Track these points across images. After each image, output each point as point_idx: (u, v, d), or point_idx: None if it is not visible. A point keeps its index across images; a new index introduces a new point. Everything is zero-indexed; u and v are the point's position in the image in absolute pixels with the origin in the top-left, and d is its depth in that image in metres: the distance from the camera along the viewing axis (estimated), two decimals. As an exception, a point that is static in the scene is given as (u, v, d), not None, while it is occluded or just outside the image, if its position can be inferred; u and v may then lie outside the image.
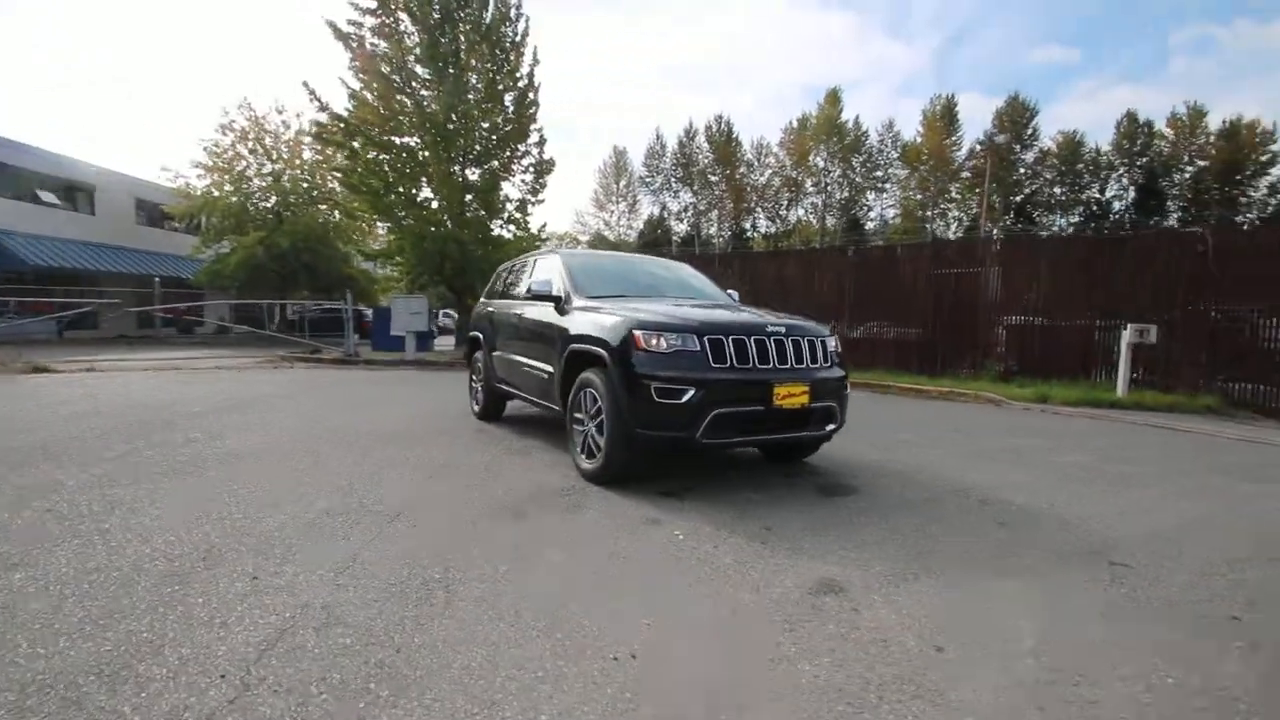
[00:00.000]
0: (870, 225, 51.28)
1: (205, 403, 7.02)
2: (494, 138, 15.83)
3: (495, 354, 6.11)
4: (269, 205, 20.93)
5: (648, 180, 51.07)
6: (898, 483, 4.30)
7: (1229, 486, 4.54)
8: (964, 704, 1.82)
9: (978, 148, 50.21)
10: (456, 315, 19.45)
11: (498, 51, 15.52)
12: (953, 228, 52.76)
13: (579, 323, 4.41)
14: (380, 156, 14.80)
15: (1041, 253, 12.21)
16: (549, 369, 4.79)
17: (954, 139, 51.51)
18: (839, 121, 48.80)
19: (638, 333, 3.81)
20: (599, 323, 4.17)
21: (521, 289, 5.82)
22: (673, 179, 49.94)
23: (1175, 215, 50.97)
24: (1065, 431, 6.87)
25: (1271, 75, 74.79)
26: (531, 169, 16.61)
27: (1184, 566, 2.92)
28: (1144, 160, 52.65)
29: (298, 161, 20.98)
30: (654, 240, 46.17)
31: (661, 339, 3.76)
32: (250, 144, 20.59)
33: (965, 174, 52.46)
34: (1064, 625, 2.32)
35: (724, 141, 48.15)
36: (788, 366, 3.94)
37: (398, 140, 14.76)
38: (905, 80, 79.37)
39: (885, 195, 51.40)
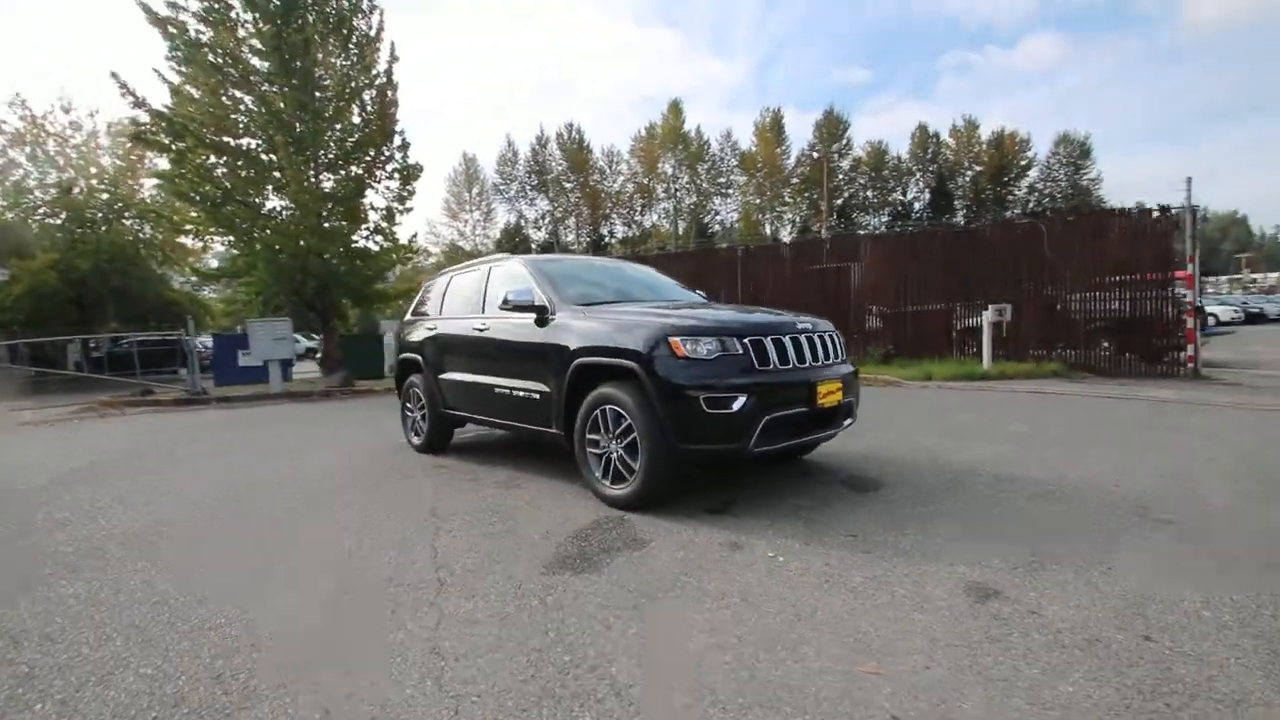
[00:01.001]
0: (717, 229, 54.24)
1: (44, 471, 5.41)
2: (352, 140, 14.27)
3: (444, 378, 5.37)
4: (58, 222, 17.02)
5: (502, 188, 49.60)
6: (908, 470, 4.37)
7: (1161, 439, 5.21)
8: (1244, 693, 1.77)
9: (808, 156, 55.12)
10: (319, 339, 17.30)
11: (350, 46, 14.03)
12: (787, 230, 57.46)
13: (581, 334, 3.95)
14: (214, 160, 12.67)
15: (907, 247, 13.54)
16: (539, 389, 4.25)
17: (783, 148, 56.14)
18: (683, 131, 51.00)
19: (676, 339, 3.47)
20: (617, 332, 3.75)
21: (473, 303, 5.18)
22: (528, 186, 48.94)
23: (961, 212, 59.73)
24: (981, 404, 7.56)
25: (1015, 92, 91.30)
26: (397, 174, 15.21)
27: (1216, 514, 3.22)
28: (934, 166, 61.21)
29: (94, 170, 17.33)
30: (511, 251, 44.95)
31: (702, 344, 3.46)
32: (27, 149, 16.64)
33: (795, 180, 57.47)
34: (1219, 589, 2.41)
35: (576, 149, 48.14)
36: (819, 364, 3.83)
37: (234, 142, 12.72)
38: (730, 95, 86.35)
39: (729, 200, 54.59)
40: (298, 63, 12.78)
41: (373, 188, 14.78)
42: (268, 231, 12.59)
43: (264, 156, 13.07)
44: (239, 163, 12.71)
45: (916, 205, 61.00)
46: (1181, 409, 6.74)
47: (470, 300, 5.28)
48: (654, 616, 2.34)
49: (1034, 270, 11.65)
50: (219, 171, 12.62)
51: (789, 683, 1.88)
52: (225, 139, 12.64)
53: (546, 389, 4.20)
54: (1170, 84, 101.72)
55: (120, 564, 3.10)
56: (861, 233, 38.95)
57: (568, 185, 48.24)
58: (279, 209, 13.39)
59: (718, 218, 52.82)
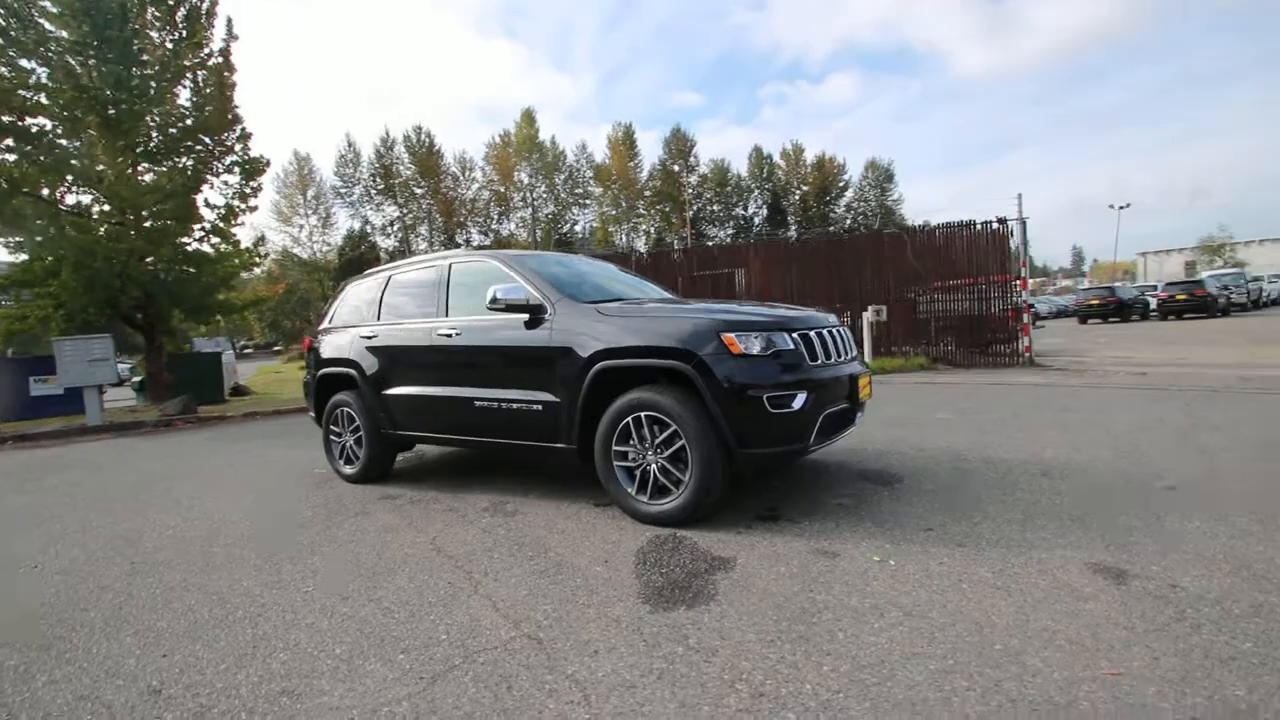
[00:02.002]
0: (576, 238, 54.23)
1: None
2: (180, 126, 12.09)
3: (392, 394, 4.56)
4: None
5: (343, 191, 45.18)
6: (906, 461, 4.47)
7: (1068, 418, 5.87)
8: None
9: (659, 170, 57.16)
10: (134, 361, 14.39)
11: (178, 18, 11.88)
12: (642, 240, 59.12)
13: (600, 334, 3.51)
14: (-3, 142, 9.99)
15: (789, 254, 14.37)
16: (541, 399, 3.73)
17: (635, 162, 57.80)
18: (538, 140, 50.40)
19: (730, 335, 3.19)
20: (653, 330, 3.38)
21: (428, 306, 4.47)
22: (373, 190, 45.09)
23: (794, 227, 65.45)
24: (893, 396, 8.10)
25: (823, 122, 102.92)
26: (237, 168, 13.14)
27: (1212, 475, 3.62)
28: (769, 185, 66.61)
29: None
30: (357, 259, 41.15)
31: (757, 340, 3.21)
32: None
33: (647, 193, 59.39)
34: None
35: (426, 153, 45.38)
36: (850, 359, 3.76)
37: (25, 122, 10.12)
38: (575, 109, 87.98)
39: (587, 210, 54.91)
40: (113, 31, 10.52)
41: (209, 182, 12.63)
42: (73, 231, 10.15)
43: (64, 142, 10.58)
44: (29, 147, 10.14)
45: (756, 220, 65.90)
46: (1054, 390, 7.74)
47: (423, 303, 4.54)
48: (833, 646, 2.03)
49: (899, 275, 12.92)
50: (4, 158, 9.97)
51: (1054, 699, 1.69)
52: (11, 118, 10.02)
53: (552, 398, 3.68)
54: (947, 121, 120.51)
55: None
56: (754, 241, 40.93)
57: (418, 191, 45.31)
58: (90, 204, 10.90)
59: (576, 227, 52.82)
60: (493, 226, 49.76)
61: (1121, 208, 51.24)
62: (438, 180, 44.66)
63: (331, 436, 5.06)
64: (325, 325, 5.34)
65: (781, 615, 2.25)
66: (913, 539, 2.94)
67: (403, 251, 44.51)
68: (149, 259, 11.39)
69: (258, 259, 14.15)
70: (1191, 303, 24.57)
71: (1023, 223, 12.41)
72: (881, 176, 68.61)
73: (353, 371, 4.81)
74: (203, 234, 12.62)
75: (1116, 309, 27.07)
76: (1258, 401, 6.07)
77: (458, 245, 44.78)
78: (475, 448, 4.42)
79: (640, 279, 5.10)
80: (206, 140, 12.36)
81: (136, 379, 13.93)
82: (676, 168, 56.08)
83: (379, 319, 4.83)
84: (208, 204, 12.68)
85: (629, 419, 3.39)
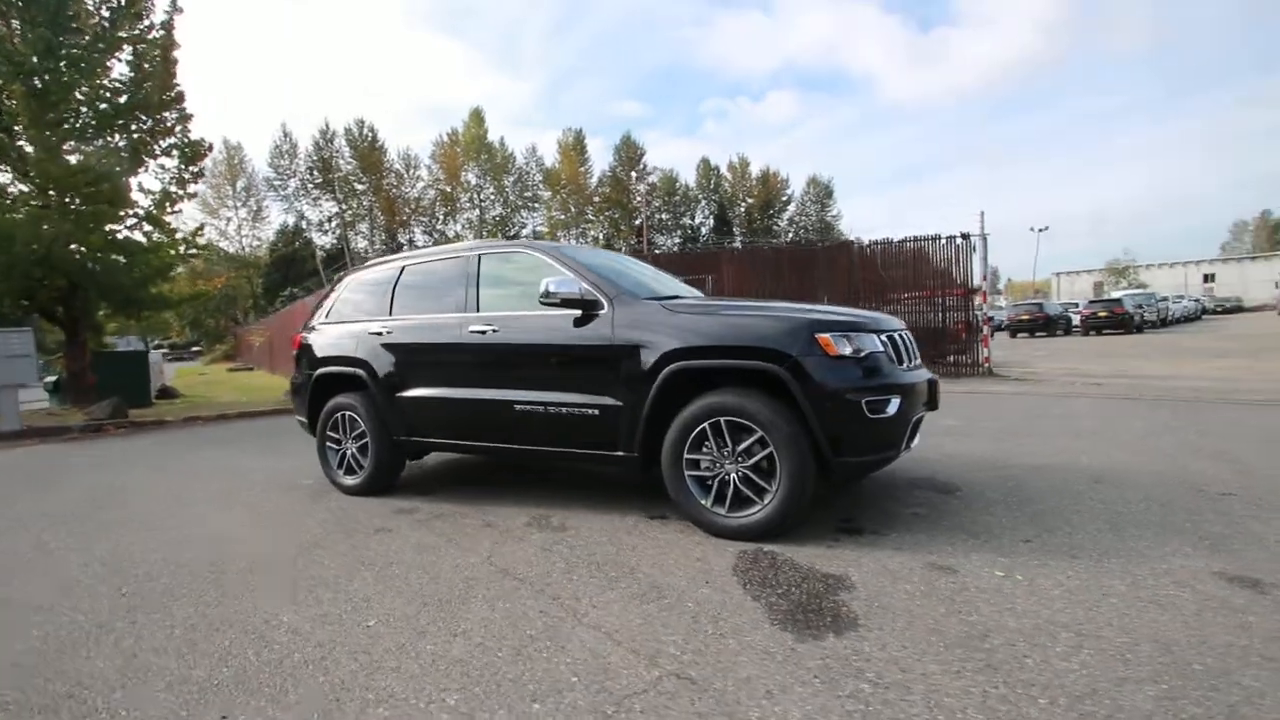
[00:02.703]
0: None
1: None
2: (114, 102, 10.96)
3: (409, 396, 4.12)
4: None
5: (277, 184, 42.57)
6: (957, 468, 4.40)
7: (1069, 425, 6.00)
8: None
9: (609, 176, 57.12)
10: (55, 357, 12.96)
11: (113, -18, 10.79)
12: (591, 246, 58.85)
13: (674, 332, 3.24)
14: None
15: (762, 261, 14.46)
16: (599, 402, 3.41)
17: (585, 168, 57.52)
18: (487, 141, 49.30)
19: (826, 336, 2.99)
20: (740, 329, 3.14)
21: (453, 301, 4.07)
22: (310, 184, 42.71)
23: (740, 238, 66.72)
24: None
25: (763, 138, 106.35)
26: (176, 151, 12.05)
27: (1267, 482, 3.69)
28: (716, 196, 67.71)
29: None
30: (290, 255, 38.98)
31: (850, 341, 3.02)
32: None
33: (596, 199, 59.20)
34: (1371, 552, 2.64)
35: (369, 148, 43.46)
36: (919, 364, 3.63)
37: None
38: (521, 112, 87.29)
39: (536, 214, 54.14)
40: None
41: (144, 165, 11.53)
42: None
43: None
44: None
45: (704, 230, 66.79)
46: (1037, 400, 7.99)
47: (447, 297, 4.13)
48: (1029, 676, 1.84)
49: (867, 285, 13.19)
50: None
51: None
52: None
53: (612, 402, 3.38)
54: (879, 143, 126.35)
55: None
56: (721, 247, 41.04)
57: (360, 187, 43.31)
58: (9, 183, 9.68)
59: (525, 231, 51.88)
60: (438, 227, 48.19)
61: (1041, 230, 54.77)
62: (380, 176, 42.83)
63: (329, 444, 4.54)
64: (321, 320, 4.81)
65: (946, 641, 2.05)
66: (1018, 550, 2.81)
67: (342, 249, 42.42)
68: (74, 246, 10.20)
69: (196, 249, 12.99)
70: (1111, 319, 26.40)
71: (984, 238, 12.94)
72: (822, 193, 70.94)
73: (359, 371, 4.32)
74: (135, 221, 11.47)
75: (1044, 324, 28.81)
76: (1237, 410, 6.40)
77: (400, 245, 43.00)
78: (509, 456, 4.03)
79: (672, 278, 4.84)
80: (144, 119, 11.27)
81: (50, 379, 12.48)
82: (635, 174, 56.16)
83: (391, 313, 4.37)
84: (142, 189, 11.57)
85: (705, 425, 3.13)
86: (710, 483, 3.18)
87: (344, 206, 43.28)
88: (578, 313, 3.51)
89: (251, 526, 3.77)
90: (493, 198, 50.35)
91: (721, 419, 3.09)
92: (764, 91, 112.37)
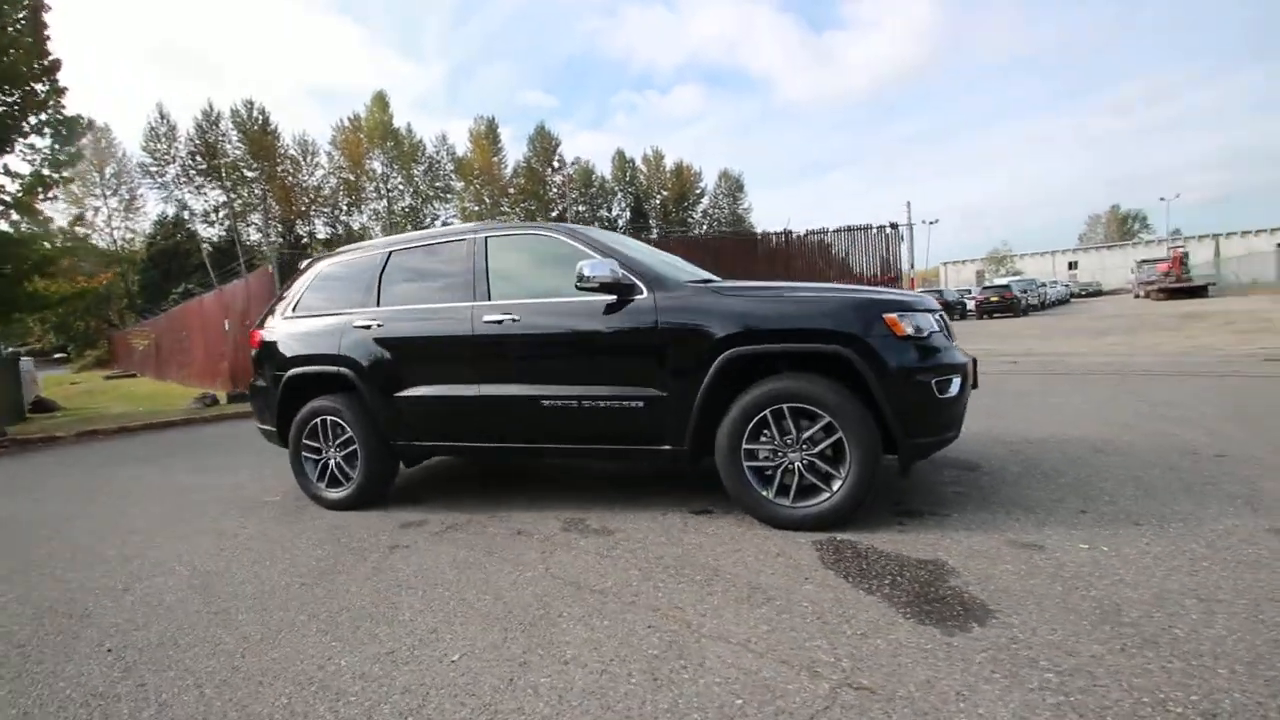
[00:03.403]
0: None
1: None
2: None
3: (411, 395, 3.69)
4: None
5: (154, 170, 38.04)
6: (963, 446, 4.50)
7: (1041, 400, 6.37)
8: None
9: (524, 167, 55.79)
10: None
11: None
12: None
13: (728, 317, 3.05)
14: None
15: (701, 248, 14.51)
16: (643, 393, 3.18)
17: (499, 158, 55.83)
18: (392, 127, 46.65)
19: (893, 316, 2.90)
20: (804, 311, 2.99)
21: (459, 288, 3.68)
22: (192, 171, 38.53)
23: (655, 230, 67.23)
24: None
25: (672, 132, 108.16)
26: (49, 129, 10.44)
27: (1244, 445, 4.00)
28: (632, 189, 67.85)
29: None
30: (172, 248, 35.18)
31: (913, 321, 2.96)
32: None
33: (512, 190, 57.66)
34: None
35: (260, 132, 39.80)
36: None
37: None
38: (423, 98, 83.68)
39: (449, 205, 51.95)
40: None
41: (10, 145, 9.90)
42: None
43: None
44: None
45: (620, 222, 66.73)
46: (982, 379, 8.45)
47: (450, 285, 3.73)
48: (1193, 647, 1.82)
49: (807, 274, 13.59)
50: None
51: None
52: None
53: (657, 393, 3.15)
54: (781, 139, 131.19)
55: None
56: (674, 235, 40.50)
57: (250, 174, 39.66)
58: None
59: (437, 222, 49.61)
60: (341, 218, 45.10)
61: (931, 223, 58.88)
62: (274, 163, 39.38)
63: (306, 454, 4.00)
64: (286, 314, 4.23)
65: (1087, 619, 2.01)
66: (1081, 522, 2.86)
67: (232, 242, 38.72)
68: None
69: (73, 241, 11.34)
70: (1002, 304, 28.81)
71: (911, 227, 13.66)
72: (733, 186, 72.74)
73: (345, 370, 3.83)
74: (1, 207, 9.83)
75: (944, 309, 30.99)
76: (1162, 381, 7.04)
77: (300, 238, 39.86)
78: (530, 457, 3.71)
79: (682, 261, 4.63)
80: (8, 91, 9.63)
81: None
82: (553, 167, 55.08)
83: (379, 304, 3.90)
84: (7, 171, 9.92)
85: (767, 412, 2.98)
86: (770, 473, 3.03)
87: (233, 195, 39.43)
88: (612, 298, 3.25)
89: (231, 555, 3.23)
90: (401, 187, 47.73)
91: (785, 405, 2.95)
92: (671, 85, 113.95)
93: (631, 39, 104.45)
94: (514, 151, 70.34)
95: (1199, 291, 31.22)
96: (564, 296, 3.37)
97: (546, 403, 3.36)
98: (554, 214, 61.25)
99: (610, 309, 3.25)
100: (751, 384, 3.04)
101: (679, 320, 3.12)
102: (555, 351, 3.41)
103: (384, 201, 47.14)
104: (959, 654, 1.85)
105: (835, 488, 2.91)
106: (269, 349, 4.21)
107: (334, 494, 3.92)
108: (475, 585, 2.61)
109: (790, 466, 2.98)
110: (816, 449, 2.93)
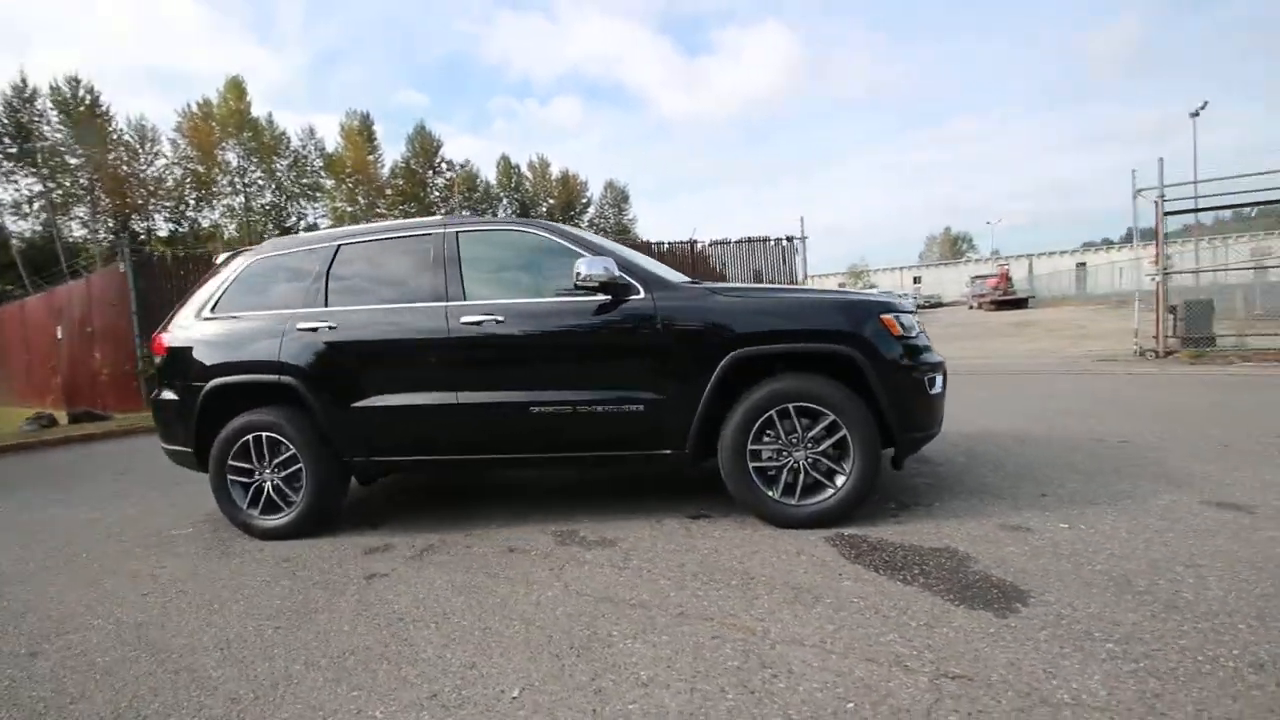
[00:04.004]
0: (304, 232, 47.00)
1: None
2: None
3: (372, 405, 3.31)
4: None
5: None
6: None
7: (967, 397, 6.94)
8: None
9: (403, 168, 53.01)
10: None
11: None
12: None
13: (731, 318, 3.04)
14: None
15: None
16: (644, 396, 3.08)
17: (375, 156, 52.57)
18: (250, 117, 42.28)
19: (889, 317, 3.03)
20: (811, 311, 3.05)
21: (427, 287, 3.37)
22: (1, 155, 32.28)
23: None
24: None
25: (554, 142, 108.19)
26: None
27: (1141, 431, 4.59)
28: (518, 195, 66.76)
29: None
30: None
31: (901, 321, 3.10)
32: None
33: (389, 191, 54.50)
34: None
35: (87, 113, 34.25)
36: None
37: None
38: (280, 89, 77.28)
39: (318, 205, 47.99)
40: None
41: None
42: None
43: None
44: None
45: (506, 228, 65.25)
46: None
47: (415, 283, 3.40)
48: (1229, 605, 2.04)
49: (717, 280, 14.02)
50: None
51: None
52: None
53: (656, 396, 3.07)
54: (659, 154, 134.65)
55: None
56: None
57: (74, 161, 34.05)
58: None
59: (304, 222, 45.57)
60: (188, 214, 40.00)
61: (802, 239, 63.42)
62: (104, 150, 34.09)
63: (233, 477, 3.45)
64: (203, 314, 3.63)
65: (1110, 590, 2.19)
66: (1047, 504, 3.14)
67: (50, 238, 32.99)
68: None
69: None
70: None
71: (804, 240, 14.53)
72: (618, 196, 73.78)
73: (289, 379, 3.35)
74: None
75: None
76: (1031, 379, 8.01)
77: (137, 234, 34.73)
78: (514, 467, 3.45)
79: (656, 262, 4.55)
80: None
81: None
82: (439, 167, 52.69)
83: (327, 303, 3.46)
84: None
85: (772, 412, 2.99)
86: (773, 473, 3.04)
87: (51, 184, 33.60)
88: (607, 298, 3.12)
89: (161, 601, 2.69)
90: (261, 182, 43.31)
91: (790, 405, 2.97)
92: (551, 96, 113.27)
93: (509, 46, 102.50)
94: (391, 151, 66.65)
95: (1022, 303, 35.99)
96: (550, 296, 3.19)
97: (536, 409, 3.15)
98: (436, 218, 58.65)
99: (605, 309, 3.12)
100: (750, 385, 3.03)
101: (682, 321, 3.06)
102: (546, 354, 3.21)
103: (240, 197, 42.52)
104: (1023, 635, 1.94)
105: (840, 484, 2.97)
106: (179, 357, 3.60)
107: (271, 521, 3.41)
108: (493, 611, 2.36)
109: (796, 465, 3.00)
110: (821, 447, 2.98)
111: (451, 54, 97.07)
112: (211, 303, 3.64)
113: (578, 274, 3.01)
